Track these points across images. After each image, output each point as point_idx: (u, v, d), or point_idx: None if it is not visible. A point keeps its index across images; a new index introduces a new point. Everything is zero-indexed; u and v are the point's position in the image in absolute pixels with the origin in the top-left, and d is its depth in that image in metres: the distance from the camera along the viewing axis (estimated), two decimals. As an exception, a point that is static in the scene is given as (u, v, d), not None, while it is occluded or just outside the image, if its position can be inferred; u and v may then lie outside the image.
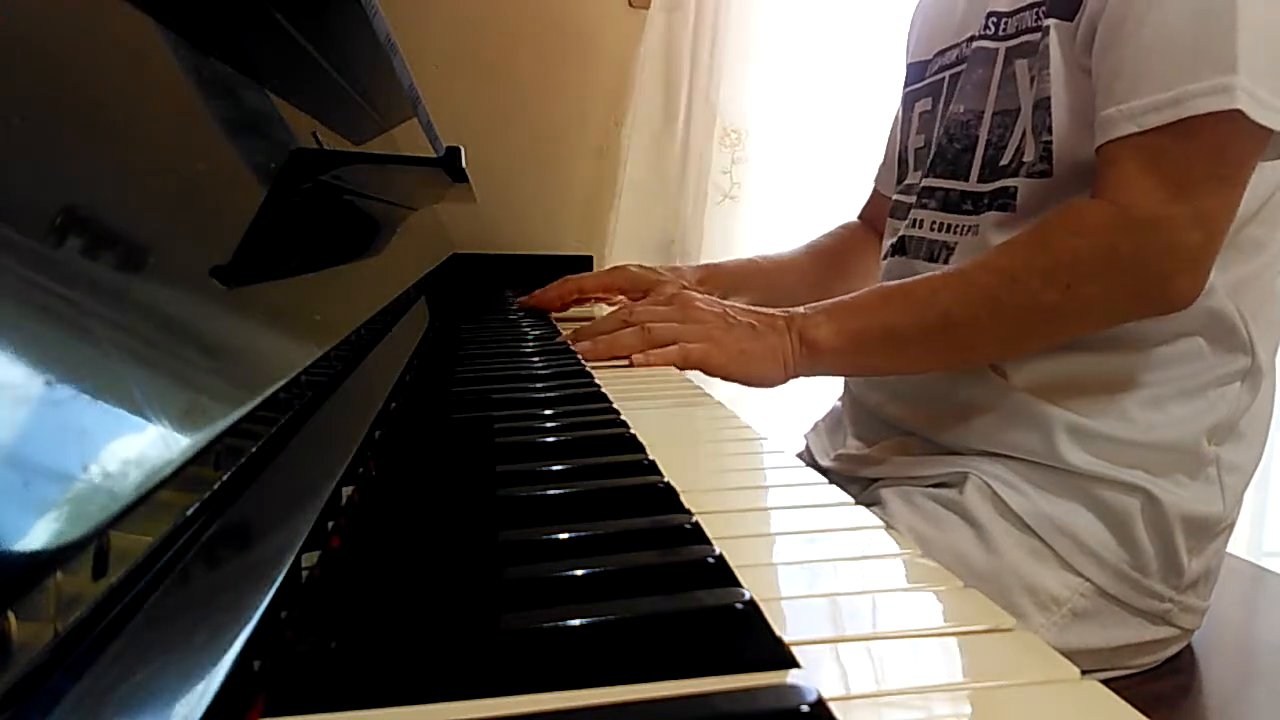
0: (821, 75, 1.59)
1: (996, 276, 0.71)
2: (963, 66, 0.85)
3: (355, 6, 0.57)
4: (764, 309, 0.79)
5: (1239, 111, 0.62)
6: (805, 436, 1.06)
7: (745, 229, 1.58)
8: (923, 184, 0.86)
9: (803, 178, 1.59)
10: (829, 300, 0.78)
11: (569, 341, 0.80)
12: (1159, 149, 0.66)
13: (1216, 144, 0.65)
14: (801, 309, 0.77)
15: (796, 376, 0.76)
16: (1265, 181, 0.72)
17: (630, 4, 1.55)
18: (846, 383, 0.99)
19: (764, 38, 1.59)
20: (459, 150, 0.66)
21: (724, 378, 0.77)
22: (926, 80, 0.92)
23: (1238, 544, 0.85)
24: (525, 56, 1.53)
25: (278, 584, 0.26)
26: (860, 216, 1.14)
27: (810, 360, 0.75)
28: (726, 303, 0.81)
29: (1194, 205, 0.66)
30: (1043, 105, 0.74)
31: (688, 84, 1.55)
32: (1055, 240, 0.70)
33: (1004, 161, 0.78)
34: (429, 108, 0.75)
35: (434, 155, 0.69)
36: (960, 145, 0.83)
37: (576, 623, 0.25)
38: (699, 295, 0.82)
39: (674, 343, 0.75)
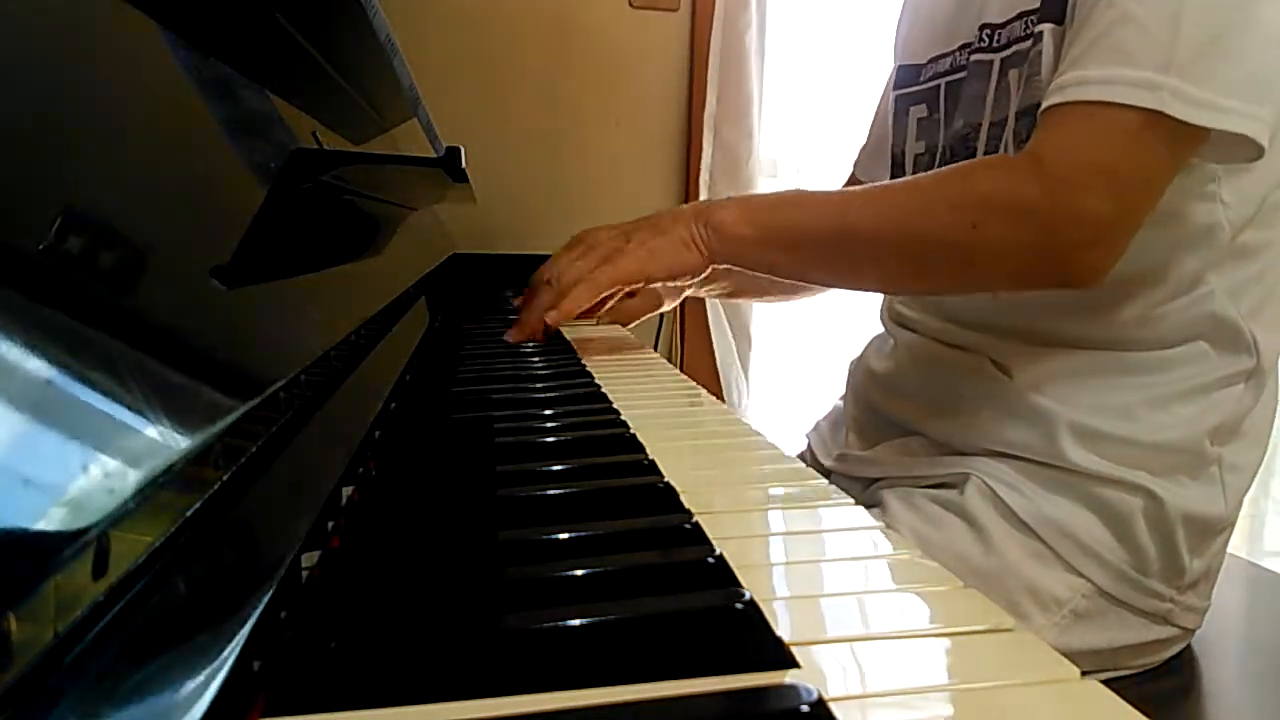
0: (851, 73, 1.61)
1: (910, 197, 0.72)
2: (959, 75, 0.85)
3: (355, 6, 0.57)
4: (668, 210, 0.81)
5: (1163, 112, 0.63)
6: (807, 436, 1.05)
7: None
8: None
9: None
10: (748, 194, 0.80)
11: (506, 336, 0.82)
12: (1088, 115, 0.66)
13: (1141, 130, 0.65)
14: (711, 199, 0.79)
15: (715, 262, 0.77)
16: (1258, 185, 0.72)
17: (631, 4, 1.55)
18: (848, 381, 0.99)
19: (805, 37, 1.62)
20: (459, 150, 0.66)
21: (645, 280, 0.77)
22: (921, 86, 0.92)
23: (1238, 544, 0.85)
24: (526, 56, 1.53)
25: (278, 584, 0.26)
26: None
27: (720, 243, 0.76)
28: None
29: (1110, 178, 0.66)
30: (1028, 113, 0.74)
31: (758, 93, 1.56)
32: (973, 176, 0.71)
33: None
34: (429, 108, 0.76)
35: (434, 155, 0.69)
36: (962, 159, 0.83)
37: (576, 623, 0.25)
38: (599, 228, 0.83)
39: (578, 281, 0.75)
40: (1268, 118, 0.64)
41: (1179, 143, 0.66)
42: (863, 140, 1.10)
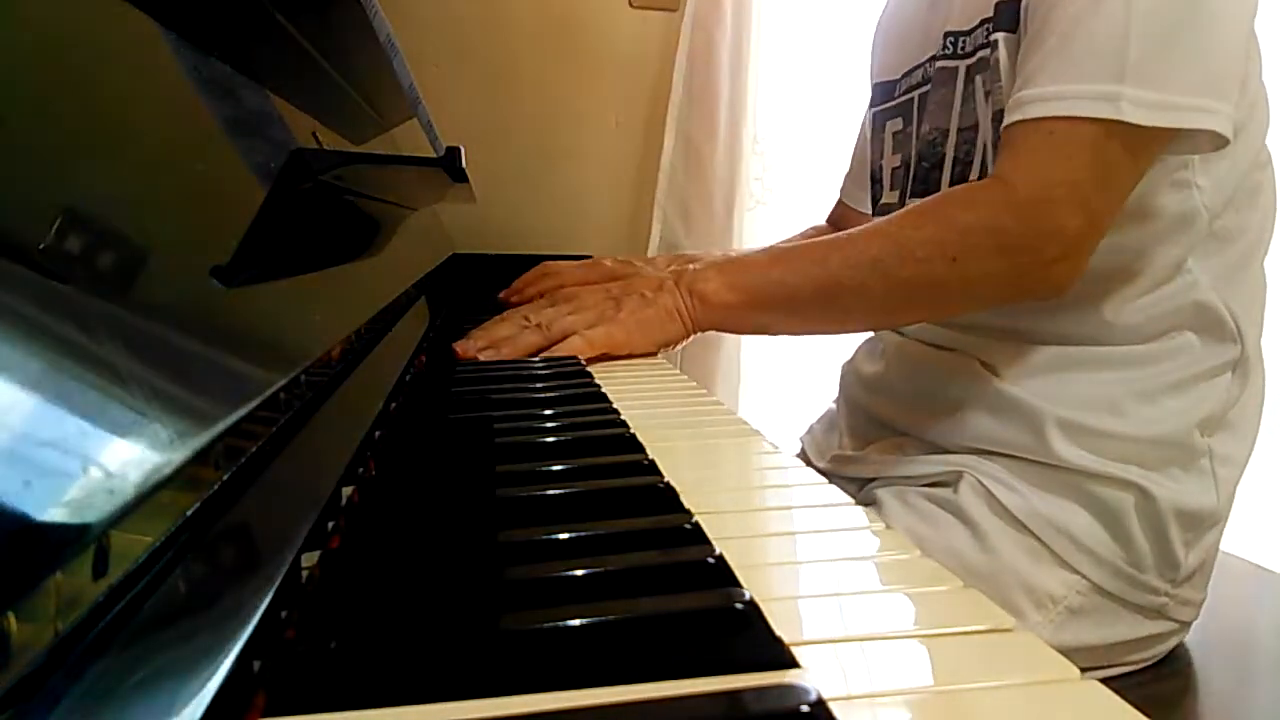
0: (842, 81, 1.61)
1: (886, 244, 0.72)
2: (928, 87, 0.85)
3: (355, 7, 0.57)
4: (649, 275, 0.80)
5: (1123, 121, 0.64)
6: (800, 439, 1.06)
7: (777, 234, 1.61)
8: (904, 205, 0.87)
9: (826, 183, 1.62)
10: (722, 258, 0.80)
11: (455, 347, 0.78)
12: (1049, 132, 0.67)
13: (1103, 141, 0.66)
14: (691, 265, 0.79)
15: (699, 330, 0.77)
16: (1231, 171, 0.72)
17: (630, 4, 1.55)
18: (840, 384, 0.99)
19: (787, 46, 1.61)
20: (459, 150, 0.66)
21: (632, 352, 0.77)
22: (896, 100, 0.93)
23: (1239, 544, 0.85)
24: (525, 56, 1.53)
25: (278, 584, 0.26)
26: (828, 220, 1.16)
27: (705, 312, 0.76)
28: (620, 271, 0.82)
29: (1078, 192, 0.67)
30: (998, 118, 0.75)
31: (727, 93, 1.55)
32: (945, 213, 0.71)
33: (971, 177, 0.79)
34: (429, 108, 0.76)
35: (434, 155, 0.69)
36: (929, 164, 0.84)
37: (576, 623, 0.25)
38: (586, 287, 0.82)
39: (571, 335, 0.75)
40: (1228, 110, 0.65)
41: (1142, 147, 0.67)
42: (845, 163, 1.12)
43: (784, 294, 0.75)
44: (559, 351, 0.74)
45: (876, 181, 0.96)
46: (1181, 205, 0.72)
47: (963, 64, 0.80)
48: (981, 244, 0.69)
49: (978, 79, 0.78)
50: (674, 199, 1.57)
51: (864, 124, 1.03)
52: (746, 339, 1.66)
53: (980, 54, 0.78)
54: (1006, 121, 0.69)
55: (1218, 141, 0.66)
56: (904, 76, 0.91)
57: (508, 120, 1.53)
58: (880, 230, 0.74)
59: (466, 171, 0.70)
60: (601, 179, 1.60)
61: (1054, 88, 0.66)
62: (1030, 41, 0.69)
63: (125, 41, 0.33)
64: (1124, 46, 0.64)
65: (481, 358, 0.74)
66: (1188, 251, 0.73)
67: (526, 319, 0.78)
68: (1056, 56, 0.66)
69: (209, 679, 0.20)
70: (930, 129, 0.83)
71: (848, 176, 1.11)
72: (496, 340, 0.76)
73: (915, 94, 0.89)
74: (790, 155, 1.66)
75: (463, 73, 1.50)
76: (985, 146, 0.77)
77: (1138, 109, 0.63)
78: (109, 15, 0.32)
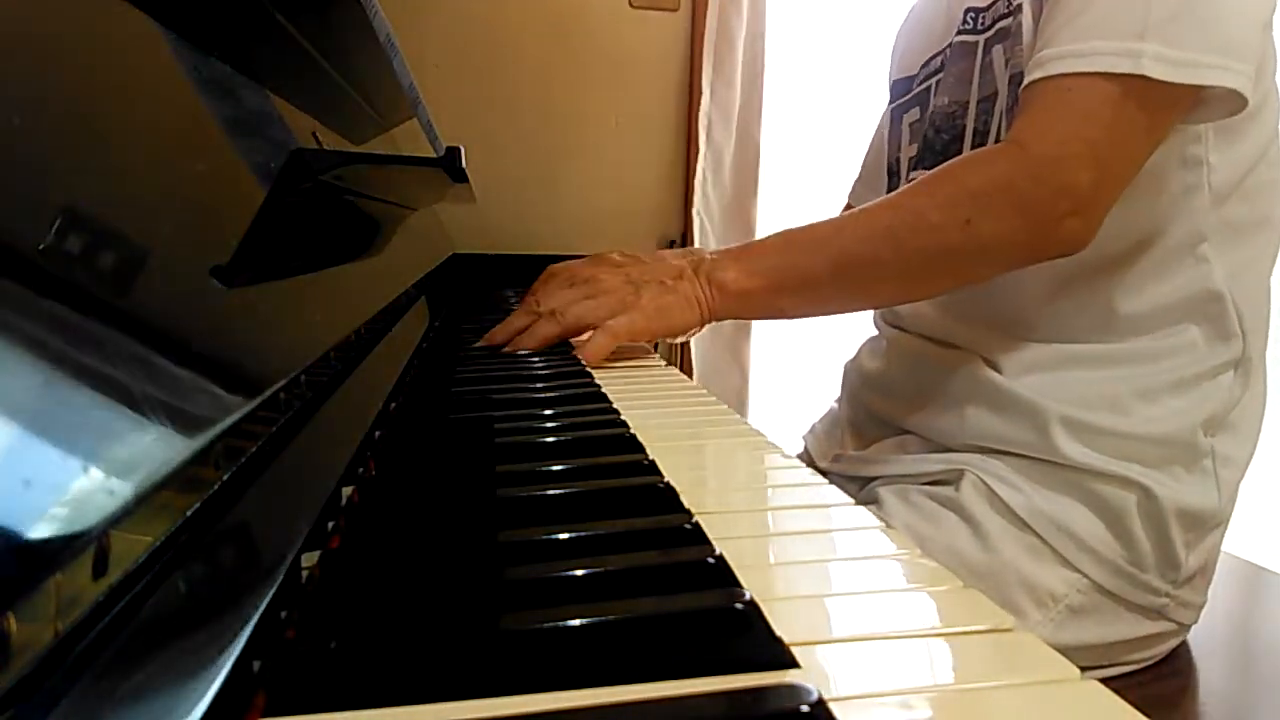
0: (848, 79, 1.61)
1: (898, 213, 0.72)
2: (944, 71, 0.86)
3: (355, 6, 0.57)
4: (667, 262, 0.80)
5: (1144, 76, 0.64)
6: (803, 439, 1.06)
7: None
8: (912, 178, 0.87)
9: (837, 181, 1.63)
10: (736, 247, 0.80)
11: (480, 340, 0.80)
12: (1065, 90, 0.67)
13: (1120, 99, 0.66)
14: (706, 255, 0.79)
15: (715, 319, 0.77)
16: (1244, 156, 0.72)
17: (630, 4, 1.55)
18: (843, 382, 0.99)
19: (802, 45, 1.62)
20: (459, 150, 0.66)
21: (649, 338, 0.78)
22: (914, 92, 0.93)
23: (1239, 544, 0.85)
24: (525, 56, 1.53)
25: (278, 584, 0.26)
26: None
27: (723, 301, 0.76)
28: (630, 265, 0.80)
29: (1092, 149, 0.67)
30: (1016, 80, 0.75)
31: (739, 93, 1.55)
32: (957, 177, 0.71)
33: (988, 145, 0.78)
34: (429, 108, 0.76)
35: (434, 155, 0.69)
36: (948, 136, 0.83)
37: (576, 623, 0.25)
38: (603, 268, 0.81)
39: (590, 324, 0.74)
40: (1249, 71, 0.65)
41: (1159, 108, 0.67)
42: (857, 165, 1.11)
43: (800, 274, 0.75)
44: (584, 347, 0.73)
45: (894, 174, 0.96)
46: (1188, 182, 0.72)
47: (981, 37, 0.81)
48: (994, 205, 0.69)
49: (995, 49, 0.79)
50: (704, 204, 1.58)
51: (879, 125, 1.03)
52: (754, 340, 1.66)
53: (1000, 24, 0.78)
54: (1025, 82, 0.69)
55: (1237, 105, 0.66)
56: (922, 67, 0.91)
57: (508, 120, 1.53)
58: (891, 201, 0.74)
59: (466, 171, 0.70)
60: (601, 179, 1.60)
61: (1074, 45, 0.66)
62: (1053, 5, 0.70)
63: (125, 41, 0.33)
64: (1146, 7, 0.64)
65: (509, 350, 0.76)
66: (1197, 238, 0.73)
67: (537, 306, 0.78)
68: (1078, 17, 0.67)
69: (209, 679, 0.20)
70: (949, 101, 0.83)
71: (858, 180, 1.10)
72: (506, 334, 0.78)
73: (933, 81, 0.89)
74: (809, 158, 1.67)
75: (463, 73, 1.50)
76: (1002, 114, 0.77)
77: (1158, 64, 0.63)
78: (109, 15, 0.32)
